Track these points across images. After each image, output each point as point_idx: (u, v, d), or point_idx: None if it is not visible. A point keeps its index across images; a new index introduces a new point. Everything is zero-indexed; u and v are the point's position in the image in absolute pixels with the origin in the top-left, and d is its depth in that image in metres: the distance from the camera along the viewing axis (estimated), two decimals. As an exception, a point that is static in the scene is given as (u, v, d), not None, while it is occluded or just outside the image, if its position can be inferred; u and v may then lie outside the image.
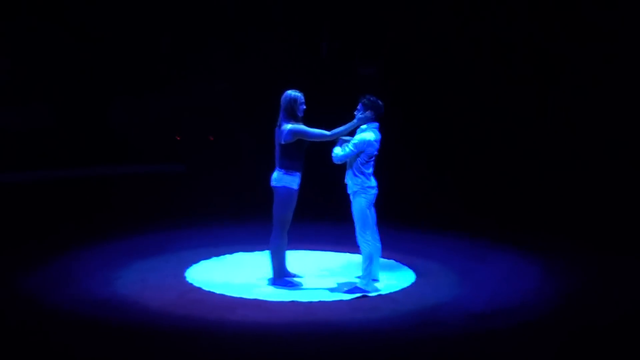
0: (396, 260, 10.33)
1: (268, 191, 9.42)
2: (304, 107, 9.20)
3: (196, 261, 10.27)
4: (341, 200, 9.20)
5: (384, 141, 9.18)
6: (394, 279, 9.60)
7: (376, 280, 9.38)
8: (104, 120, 19.96)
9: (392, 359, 7.38)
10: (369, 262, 9.05)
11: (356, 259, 9.90)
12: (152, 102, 19.93)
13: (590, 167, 16.61)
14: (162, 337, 7.76)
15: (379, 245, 9.32)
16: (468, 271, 10.04)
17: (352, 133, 9.16)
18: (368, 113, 9.05)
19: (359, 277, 9.25)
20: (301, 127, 9.07)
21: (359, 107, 9.09)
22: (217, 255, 10.56)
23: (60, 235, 11.74)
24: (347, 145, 9.01)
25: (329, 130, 9.12)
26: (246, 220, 12.45)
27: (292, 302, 8.79)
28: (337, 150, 9.07)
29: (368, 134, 9.02)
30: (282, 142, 9.10)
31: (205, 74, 20.09)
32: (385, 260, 9.99)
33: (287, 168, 9.12)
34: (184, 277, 9.64)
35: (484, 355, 7.44)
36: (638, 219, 12.80)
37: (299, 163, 9.17)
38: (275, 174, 9.19)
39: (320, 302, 8.80)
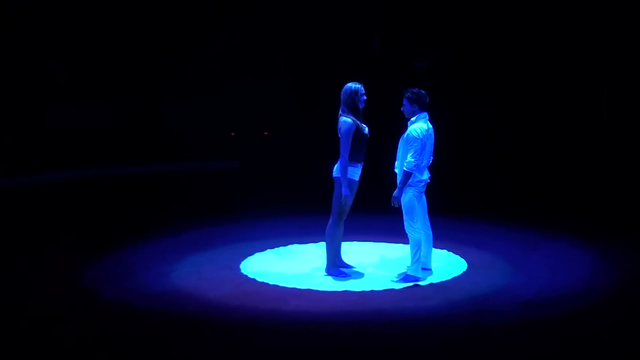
0: (448, 250, 10.35)
1: (321, 184, 9.46)
2: (365, 97, 9.15)
3: (251, 253, 10.38)
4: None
5: (437, 131, 9.21)
6: (446, 268, 9.62)
7: (429, 269, 9.42)
8: (159, 118, 20.28)
9: (444, 347, 7.40)
10: (417, 249, 9.06)
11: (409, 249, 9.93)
12: (206, 99, 20.16)
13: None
14: (218, 328, 7.90)
15: (430, 233, 9.34)
16: (520, 260, 10.01)
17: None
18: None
19: (409, 266, 9.30)
20: (346, 128, 8.98)
21: (404, 102, 9.06)
22: (271, 247, 10.66)
23: (117, 231, 11.95)
24: (410, 151, 8.88)
25: (346, 158, 9.01)
26: (300, 213, 12.52)
27: (345, 291, 8.86)
28: (409, 161, 8.86)
29: (419, 125, 9.00)
30: (340, 135, 9.15)
31: (260, 70, 20.28)
32: (438, 249, 10.02)
33: (349, 159, 9.11)
34: (239, 269, 9.77)
35: (535, 344, 7.43)
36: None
37: (360, 154, 9.14)
38: (337, 165, 9.16)
39: (372, 291, 8.85)
